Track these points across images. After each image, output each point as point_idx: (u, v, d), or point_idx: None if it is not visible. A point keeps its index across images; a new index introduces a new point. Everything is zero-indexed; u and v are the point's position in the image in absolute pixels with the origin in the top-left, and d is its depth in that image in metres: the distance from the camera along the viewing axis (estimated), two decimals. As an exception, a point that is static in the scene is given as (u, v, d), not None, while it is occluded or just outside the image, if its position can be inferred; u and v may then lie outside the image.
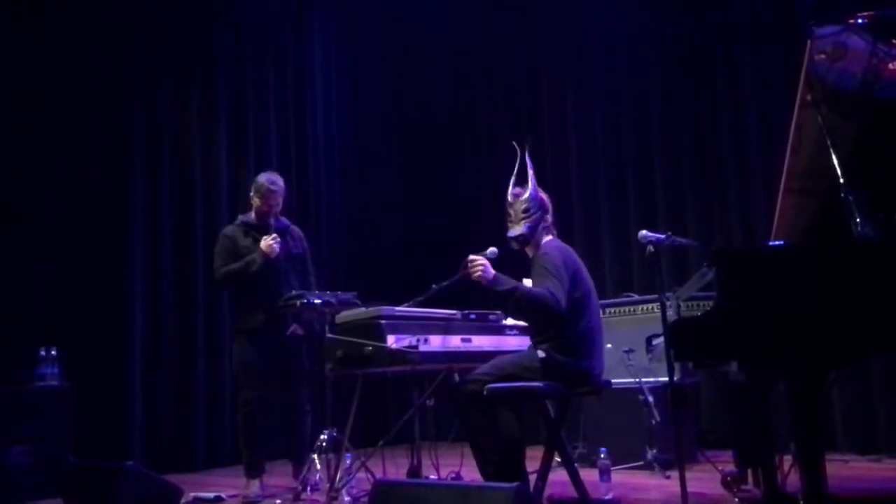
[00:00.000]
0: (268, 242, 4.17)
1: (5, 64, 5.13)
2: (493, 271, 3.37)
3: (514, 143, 3.71)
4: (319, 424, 4.38)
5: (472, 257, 3.41)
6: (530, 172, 3.62)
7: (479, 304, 4.16)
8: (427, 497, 2.55)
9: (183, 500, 3.71)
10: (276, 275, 4.26)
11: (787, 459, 3.22)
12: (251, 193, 4.42)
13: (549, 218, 3.60)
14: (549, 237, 3.57)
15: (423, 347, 3.50)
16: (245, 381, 4.26)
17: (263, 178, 4.40)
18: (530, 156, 3.69)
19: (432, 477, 4.18)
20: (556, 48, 6.87)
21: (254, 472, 4.22)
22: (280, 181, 4.40)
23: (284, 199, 4.45)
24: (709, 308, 2.64)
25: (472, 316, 3.90)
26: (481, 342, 3.86)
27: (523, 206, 3.53)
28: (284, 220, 4.50)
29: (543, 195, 3.61)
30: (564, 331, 3.32)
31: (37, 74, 5.27)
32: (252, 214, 4.40)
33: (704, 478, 4.02)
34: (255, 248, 4.23)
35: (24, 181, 5.16)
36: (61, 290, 5.20)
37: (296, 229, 4.59)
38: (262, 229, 4.28)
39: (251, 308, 4.24)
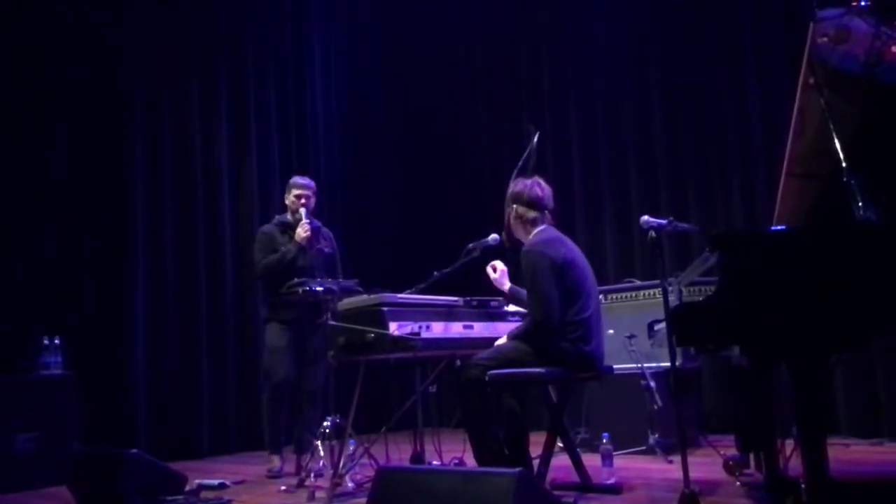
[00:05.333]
0: (299, 232, 4.54)
1: (7, 55, 5.13)
2: (507, 284, 3.64)
3: (530, 126, 3.74)
4: (323, 411, 4.44)
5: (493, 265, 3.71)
6: (520, 162, 3.65)
7: (481, 290, 4.16)
8: (430, 483, 2.55)
9: (187, 487, 3.73)
10: (310, 270, 4.50)
11: (789, 443, 3.22)
12: (285, 194, 4.82)
13: (518, 208, 3.54)
14: (538, 228, 3.53)
15: (425, 334, 3.51)
16: (275, 366, 4.57)
17: (294, 177, 4.89)
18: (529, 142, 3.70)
19: (435, 463, 4.19)
20: (557, 32, 6.84)
21: (275, 448, 4.59)
22: (309, 179, 4.85)
23: (316, 197, 4.85)
24: (710, 293, 2.64)
25: (474, 303, 3.90)
26: (483, 329, 3.86)
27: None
28: (317, 221, 4.79)
29: (520, 185, 3.57)
30: (562, 319, 3.33)
31: (38, 64, 5.27)
32: (288, 215, 4.77)
33: (706, 462, 4.03)
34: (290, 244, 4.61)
35: (27, 169, 5.16)
36: (64, 278, 5.21)
37: (327, 231, 4.91)
38: (296, 227, 4.62)
39: (287, 300, 4.43)
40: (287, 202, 4.77)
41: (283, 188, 4.93)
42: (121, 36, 5.68)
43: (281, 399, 4.59)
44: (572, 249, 3.50)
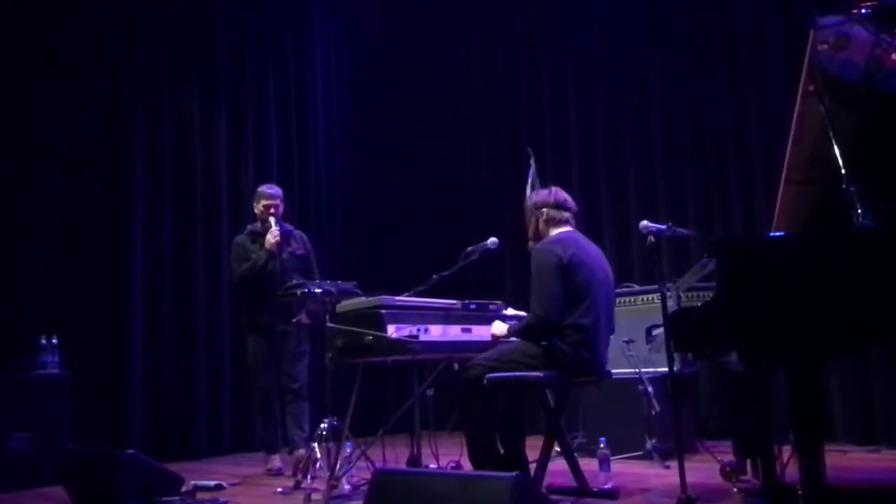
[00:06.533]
0: (268, 239, 4.63)
1: (6, 55, 5.13)
2: (504, 330, 3.60)
3: (529, 150, 3.83)
4: (320, 413, 4.44)
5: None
6: (529, 180, 3.68)
7: (480, 293, 4.16)
8: (427, 486, 2.55)
9: (183, 489, 3.72)
10: (283, 275, 4.57)
11: (786, 450, 3.22)
12: (254, 204, 4.88)
13: (548, 211, 3.58)
14: (558, 230, 3.56)
15: (423, 337, 3.51)
16: (259, 371, 4.76)
17: (261, 186, 4.96)
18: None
19: (432, 466, 4.19)
20: (557, 38, 6.85)
21: (272, 449, 4.75)
22: (276, 187, 4.93)
23: (285, 203, 4.91)
24: (709, 299, 2.64)
25: (473, 306, 3.90)
26: (481, 332, 3.85)
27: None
28: (288, 225, 4.91)
29: (543, 193, 3.67)
30: (564, 321, 3.33)
31: (37, 63, 5.27)
32: (258, 224, 4.83)
33: (703, 468, 4.03)
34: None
35: (25, 170, 5.15)
36: (62, 278, 5.21)
37: (299, 233, 4.98)
38: (265, 235, 4.70)
39: (261, 306, 4.64)
40: (256, 211, 4.86)
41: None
42: (121, 36, 5.68)
43: (270, 404, 4.75)
44: (587, 252, 3.49)
